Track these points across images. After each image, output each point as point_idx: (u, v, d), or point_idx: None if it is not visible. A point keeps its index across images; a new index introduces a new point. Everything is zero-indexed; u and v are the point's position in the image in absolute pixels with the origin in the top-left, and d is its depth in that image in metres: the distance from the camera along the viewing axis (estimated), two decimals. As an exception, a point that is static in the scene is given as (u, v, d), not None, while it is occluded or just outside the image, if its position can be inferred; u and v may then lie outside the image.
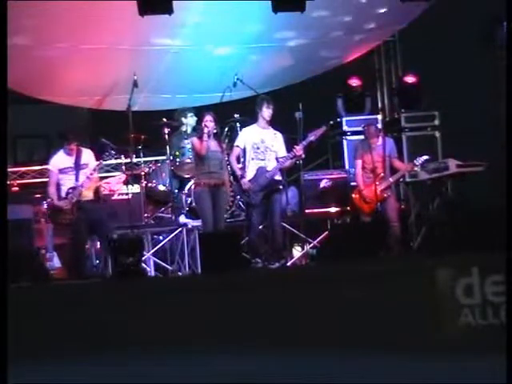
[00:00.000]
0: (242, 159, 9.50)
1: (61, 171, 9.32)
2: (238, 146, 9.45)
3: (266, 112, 9.38)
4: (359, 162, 10.05)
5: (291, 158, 9.39)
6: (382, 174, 9.88)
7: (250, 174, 9.34)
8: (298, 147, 9.32)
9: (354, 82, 11.68)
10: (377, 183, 9.79)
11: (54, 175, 9.37)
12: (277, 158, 9.39)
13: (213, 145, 9.29)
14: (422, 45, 11.27)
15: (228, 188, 9.53)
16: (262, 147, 9.36)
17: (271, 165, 9.35)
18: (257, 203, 9.28)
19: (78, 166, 9.31)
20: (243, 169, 9.41)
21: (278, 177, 9.40)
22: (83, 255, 9.32)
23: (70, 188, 9.24)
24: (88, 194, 9.29)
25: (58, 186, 9.30)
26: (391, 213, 9.82)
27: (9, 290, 6.43)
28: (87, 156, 9.42)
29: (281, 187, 9.43)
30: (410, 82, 11.60)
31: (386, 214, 9.80)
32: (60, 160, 9.39)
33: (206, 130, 9.17)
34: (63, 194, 9.24)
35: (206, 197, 9.18)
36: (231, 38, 10.78)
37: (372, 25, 11.12)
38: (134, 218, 9.88)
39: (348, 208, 10.42)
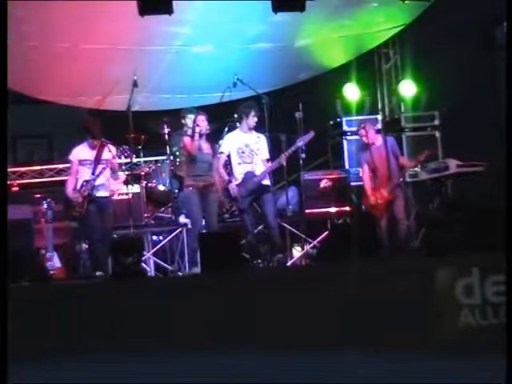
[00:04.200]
0: (228, 165, 9.52)
1: (81, 163, 9.32)
2: (222, 153, 9.47)
3: (252, 120, 9.42)
4: (366, 167, 9.93)
5: (276, 165, 9.41)
6: (387, 175, 9.77)
7: (238, 178, 9.37)
8: (283, 156, 9.34)
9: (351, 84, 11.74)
10: (384, 184, 9.71)
11: (74, 166, 9.36)
12: (264, 161, 9.40)
13: (204, 146, 9.30)
14: (422, 45, 11.27)
15: (220, 189, 9.54)
16: (247, 151, 9.40)
17: (259, 168, 9.37)
18: (245, 208, 9.29)
19: (98, 161, 9.29)
20: (231, 174, 9.43)
21: (266, 181, 9.41)
22: (100, 250, 9.29)
23: (85, 181, 9.25)
24: (104, 190, 9.29)
25: (76, 178, 9.30)
26: (398, 213, 9.73)
27: (9, 289, 6.42)
28: (110, 151, 9.40)
29: (269, 190, 9.44)
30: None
31: (394, 213, 9.71)
32: (81, 152, 9.37)
33: (197, 130, 9.18)
34: (78, 187, 9.26)
35: (194, 198, 9.19)
36: (231, 38, 10.78)
37: (372, 25, 11.13)
38: (134, 218, 9.88)
39: (348, 208, 10.43)
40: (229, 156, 9.44)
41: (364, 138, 9.96)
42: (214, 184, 9.30)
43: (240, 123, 9.62)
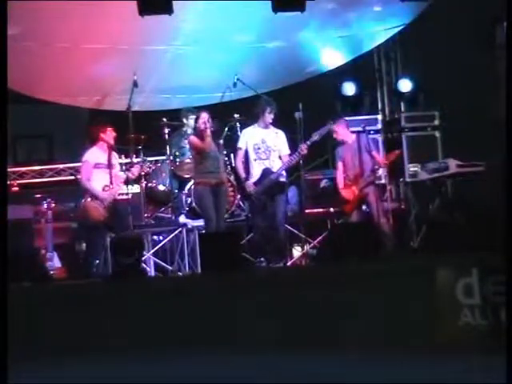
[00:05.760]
0: (243, 160, 9.49)
1: (96, 166, 9.35)
2: (240, 148, 9.44)
3: (268, 117, 9.35)
4: (340, 164, 9.97)
5: (297, 157, 9.34)
6: (358, 172, 9.76)
7: (254, 175, 9.33)
8: (303, 146, 9.26)
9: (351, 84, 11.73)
10: (355, 182, 9.72)
11: (88, 168, 9.36)
12: (281, 157, 9.35)
13: (211, 144, 9.29)
14: (422, 44, 11.27)
15: (228, 187, 9.53)
16: (263, 147, 9.34)
17: (275, 165, 9.33)
18: (261, 205, 9.25)
19: (110, 165, 9.36)
20: (247, 171, 9.40)
21: (282, 178, 9.36)
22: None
23: (106, 185, 9.29)
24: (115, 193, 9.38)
25: (91, 181, 9.31)
26: (373, 211, 9.72)
27: (9, 289, 6.42)
28: (115, 156, 9.53)
29: (285, 188, 9.40)
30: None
31: (370, 212, 9.71)
32: (96, 155, 9.41)
33: (203, 127, 9.16)
34: (101, 190, 9.27)
35: (207, 196, 9.17)
36: (231, 37, 10.78)
37: (372, 25, 11.13)
38: (134, 218, 9.88)
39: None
40: (246, 151, 9.38)
41: (335, 135, 9.96)
42: (224, 182, 9.29)
43: (256, 119, 9.47)
